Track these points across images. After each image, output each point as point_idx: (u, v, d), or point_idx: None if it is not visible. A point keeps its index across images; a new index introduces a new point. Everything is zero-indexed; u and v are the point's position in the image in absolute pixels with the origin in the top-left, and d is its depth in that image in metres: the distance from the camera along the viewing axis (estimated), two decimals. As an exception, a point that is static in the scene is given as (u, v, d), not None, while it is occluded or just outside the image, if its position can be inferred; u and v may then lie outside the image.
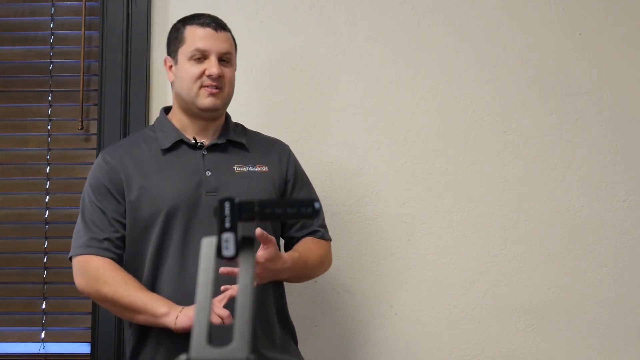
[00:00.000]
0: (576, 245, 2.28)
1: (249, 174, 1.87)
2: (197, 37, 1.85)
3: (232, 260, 0.84)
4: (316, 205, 0.86)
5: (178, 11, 2.37)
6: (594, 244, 2.28)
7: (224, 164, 1.86)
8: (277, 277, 1.81)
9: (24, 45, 2.44)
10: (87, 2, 2.37)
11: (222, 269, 1.63)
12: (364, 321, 2.26)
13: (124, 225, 1.83)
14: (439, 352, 2.27)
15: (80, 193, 2.34)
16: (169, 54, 1.92)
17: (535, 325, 2.26)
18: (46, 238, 2.34)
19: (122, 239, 1.84)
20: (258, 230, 1.65)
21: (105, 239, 1.81)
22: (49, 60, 2.40)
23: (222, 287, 1.70)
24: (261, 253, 1.70)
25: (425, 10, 2.35)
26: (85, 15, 2.36)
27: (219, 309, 1.67)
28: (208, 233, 1.72)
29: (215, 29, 1.86)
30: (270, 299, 1.87)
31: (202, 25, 1.86)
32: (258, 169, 1.89)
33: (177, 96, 1.90)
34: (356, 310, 2.26)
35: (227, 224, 0.84)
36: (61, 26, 2.43)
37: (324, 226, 2.00)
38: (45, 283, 2.32)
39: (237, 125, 1.99)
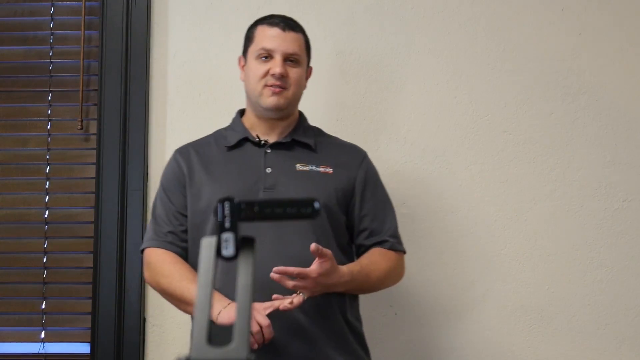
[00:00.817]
0: (576, 245, 2.28)
1: (310, 173, 1.87)
2: (264, 37, 1.87)
3: (232, 260, 0.84)
4: (316, 205, 0.86)
5: (178, 11, 2.37)
6: (594, 244, 2.28)
7: (286, 162, 1.87)
8: (332, 290, 1.78)
9: (23, 45, 2.44)
10: (87, 2, 2.37)
11: (273, 275, 1.65)
12: (364, 321, 2.26)
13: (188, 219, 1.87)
14: (439, 352, 2.27)
15: (80, 193, 2.37)
16: (242, 53, 1.94)
17: (535, 325, 2.26)
18: (46, 238, 2.34)
19: (187, 232, 1.86)
20: (313, 246, 1.65)
21: (169, 232, 1.85)
22: (48, 60, 2.40)
23: (274, 296, 1.69)
24: (315, 267, 1.68)
25: (425, 10, 2.35)
26: (85, 15, 2.36)
27: (260, 317, 1.67)
28: (262, 229, 1.75)
29: (283, 29, 1.86)
30: (335, 308, 1.83)
31: (271, 25, 1.88)
32: (322, 169, 1.88)
33: (247, 95, 1.93)
34: (356, 310, 2.26)
35: (227, 224, 0.84)
36: (61, 26, 2.43)
37: (395, 236, 1.94)
38: (44, 283, 2.32)
39: (313, 128, 1.99)
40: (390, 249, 1.91)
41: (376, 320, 2.26)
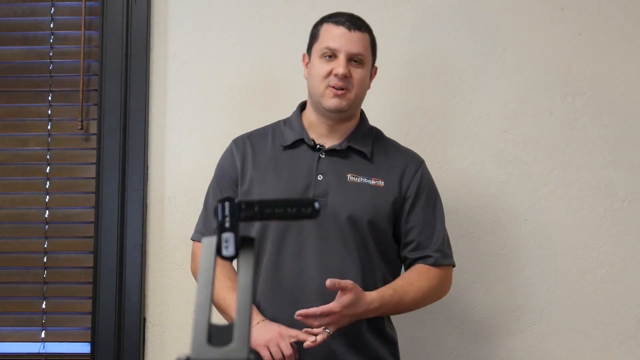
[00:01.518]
0: (576, 245, 2.28)
1: (361, 185, 1.83)
2: (329, 35, 1.83)
3: (231, 260, 0.84)
4: (316, 205, 0.86)
5: (178, 11, 2.37)
6: (594, 244, 2.28)
7: (338, 171, 1.84)
8: (362, 317, 1.75)
9: (24, 45, 2.44)
10: (87, 2, 2.37)
11: (329, 283, 1.64)
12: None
13: None
14: (439, 352, 2.27)
15: (80, 193, 2.37)
16: (307, 50, 1.91)
17: (535, 325, 2.26)
18: (46, 238, 2.34)
19: None
20: (328, 282, 1.64)
21: None
22: (48, 60, 2.40)
23: (304, 330, 1.70)
24: (337, 302, 1.67)
25: (425, 10, 2.35)
26: (85, 15, 2.36)
27: (284, 345, 1.69)
28: (302, 239, 1.76)
29: (349, 28, 1.82)
30: (366, 327, 1.82)
31: (337, 23, 1.84)
32: (373, 181, 1.84)
33: (309, 93, 1.89)
34: (356, 310, 2.26)
35: (227, 224, 0.84)
36: (61, 26, 2.43)
37: (441, 250, 1.88)
38: (45, 283, 2.32)
39: (373, 130, 1.95)
40: (434, 264, 1.87)
41: (376, 320, 2.26)
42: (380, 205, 1.83)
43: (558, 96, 2.32)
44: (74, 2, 2.42)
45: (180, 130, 2.33)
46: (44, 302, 2.32)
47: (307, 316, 1.67)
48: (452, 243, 2.30)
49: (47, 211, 2.36)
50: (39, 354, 2.31)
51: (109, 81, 2.34)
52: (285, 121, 1.94)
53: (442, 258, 1.88)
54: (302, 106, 1.94)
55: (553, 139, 2.31)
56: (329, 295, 1.69)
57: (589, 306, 2.26)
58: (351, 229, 1.80)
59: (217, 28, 2.36)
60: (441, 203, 1.94)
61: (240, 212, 0.84)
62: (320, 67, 1.82)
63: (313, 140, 1.86)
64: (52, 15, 2.42)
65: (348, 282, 1.67)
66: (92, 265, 2.29)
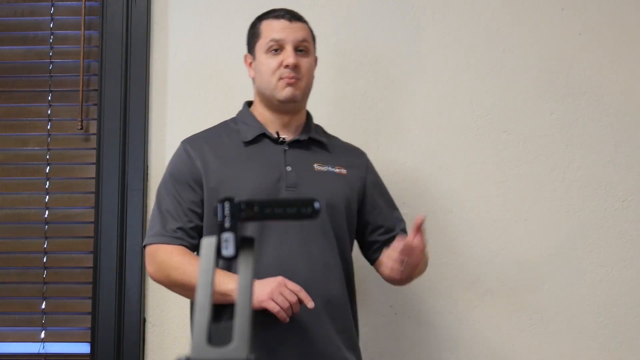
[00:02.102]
0: (576, 245, 2.28)
1: (328, 174, 1.87)
2: (272, 29, 1.86)
3: (231, 260, 0.84)
4: (316, 205, 0.86)
5: (178, 11, 2.37)
6: (594, 244, 2.28)
7: (305, 161, 1.86)
8: (421, 267, 1.84)
9: (24, 45, 2.44)
10: (87, 2, 2.37)
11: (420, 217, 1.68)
12: (364, 321, 2.26)
13: (199, 216, 1.83)
14: (439, 352, 2.26)
15: (80, 193, 2.37)
16: (248, 51, 1.93)
17: (535, 325, 2.26)
18: (46, 238, 2.34)
19: (197, 229, 1.83)
20: (420, 217, 1.69)
21: (179, 228, 1.82)
22: (48, 60, 2.40)
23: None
24: (419, 238, 1.72)
25: (425, 10, 2.35)
26: (85, 15, 2.36)
27: (292, 284, 1.70)
28: (283, 228, 1.76)
29: (290, 20, 1.86)
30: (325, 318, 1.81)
31: (277, 17, 1.87)
32: (337, 170, 1.89)
33: (258, 92, 1.91)
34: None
35: (227, 224, 0.84)
36: (61, 26, 2.43)
37: (405, 229, 1.99)
38: (44, 283, 2.32)
39: (318, 126, 1.99)
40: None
41: (376, 320, 2.26)
42: (349, 192, 1.88)
43: (558, 96, 2.32)
44: (74, 2, 2.42)
45: (180, 130, 2.32)
46: (44, 302, 2.32)
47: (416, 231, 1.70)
48: (451, 243, 2.32)
49: (47, 211, 2.36)
50: (38, 354, 2.30)
51: (109, 81, 2.34)
52: (234, 120, 1.95)
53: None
54: (248, 106, 1.96)
55: (553, 139, 2.31)
56: (315, 283, 1.74)
57: (589, 306, 2.26)
58: (330, 216, 1.83)
59: (217, 28, 2.36)
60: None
61: (240, 212, 0.84)
62: (269, 61, 1.84)
63: (277, 133, 1.88)
64: (52, 15, 2.42)
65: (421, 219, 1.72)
66: (92, 265, 2.29)
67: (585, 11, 2.34)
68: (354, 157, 1.98)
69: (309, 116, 1.96)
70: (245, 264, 0.82)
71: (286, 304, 1.68)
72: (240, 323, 0.78)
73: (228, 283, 1.68)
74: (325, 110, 2.32)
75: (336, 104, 2.33)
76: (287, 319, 1.69)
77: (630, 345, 2.25)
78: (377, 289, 2.26)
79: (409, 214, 2.29)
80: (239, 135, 1.88)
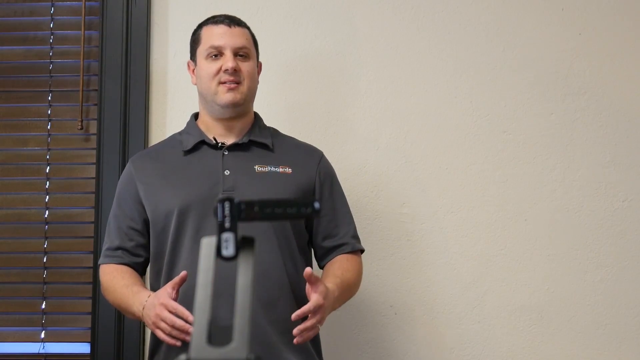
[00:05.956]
0: (576, 245, 2.28)
1: (270, 174, 1.84)
2: (212, 35, 1.86)
3: (231, 261, 0.84)
4: (316, 205, 0.86)
5: (178, 11, 2.37)
6: (594, 244, 2.28)
7: (245, 164, 1.84)
8: (330, 310, 1.74)
9: (24, 45, 2.43)
10: (87, 2, 2.37)
11: (308, 271, 1.61)
12: (364, 321, 2.26)
13: (141, 233, 1.85)
14: (439, 352, 2.26)
15: (80, 193, 2.37)
16: (190, 58, 1.93)
17: (535, 325, 2.26)
18: (46, 238, 2.34)
19: (141, 246, 1.85)
20: (308, 270, 1.62)
21: (118, 247, 1.85)
22: (48, 60, 2.40)
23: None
24: (318, 294, 1.64)
25: (425, 10, 2.35)
26: (85, 15, 2.36)
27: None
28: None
29: (229, 25, 1.87)
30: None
31: (216, 23, 1.88)
32: (281, 169, 1.86)
33: (201, 97, 1.91)
34: (356, 310, 2.26)
35: (227, 224, 0.84)
36: (61, 26, 2.43)
37: (355, 236, 1.93)
38: (45, 283, 2.32)
39: (269, 128, 1.97)
40: (352, 250, 1.90)
41: (376, 320, 2.26)
42: (292, 192, 1.83)
43: (558, 96, 2.32)
44: (74, 2, 2.42)
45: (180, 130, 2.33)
46: (44, 302, 2.32)
47: (302, 315, 1.64)
48: (451, 243, 2.31)
49: (47, 211, 2.36)
50: (38, 354, 2.30)
51: (109, 81, 2.34)
52: (180, 132, 1.96)
53: (358, 243, 1.92)
54: (195, 116, 1.96)
55: (553, 139, 2.31)
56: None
57: (589, 306, 2.26)
58: None
59: (217, 28, 2.36)
60: (343, 191, 1.97)
61: (240, 212, 0.84)
62: (208, 67, 1.84)
63: (215, 139, 1.87)
64: (52, 15, 2.42)
65: (317, 276, 1.66)
66: (92, 265, 2.29)
67: (585, 11, 2.34)
68: (305, 156, 1.92)
69: (257, 119, 1.94)
70: (245, 264, 0.82)
71: (170, 331, 1.63)
72: (240, 323, 0.78)
73: (133, 305, 1.73)
74: (325, 110, 2.32)
75: (336, 104, 2.33)
76: (179, 343, 1.63)
77: (630, 345, 2.25)
78: (377, 289, 2.26)
79: (409, 214, 2.29)
80: (181, 146, 1.89)
